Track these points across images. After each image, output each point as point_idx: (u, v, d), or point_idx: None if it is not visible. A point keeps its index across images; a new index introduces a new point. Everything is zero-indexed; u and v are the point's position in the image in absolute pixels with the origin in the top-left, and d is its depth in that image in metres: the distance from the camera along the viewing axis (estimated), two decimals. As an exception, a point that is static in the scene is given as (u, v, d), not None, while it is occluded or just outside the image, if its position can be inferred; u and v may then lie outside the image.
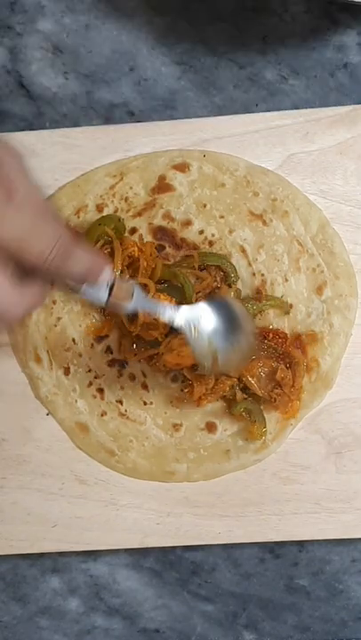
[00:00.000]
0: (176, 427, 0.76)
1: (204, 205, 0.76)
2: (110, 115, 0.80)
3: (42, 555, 0.79)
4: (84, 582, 0.79)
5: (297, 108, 0.79)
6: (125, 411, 0.76)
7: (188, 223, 0.76)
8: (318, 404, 0.75)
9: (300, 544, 0.78)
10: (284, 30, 0.80)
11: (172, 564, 0.79)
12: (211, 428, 0.75)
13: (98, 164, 0.78)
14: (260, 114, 0.78)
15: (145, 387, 0.76)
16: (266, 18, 0.80)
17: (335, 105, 0.78)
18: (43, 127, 0.80)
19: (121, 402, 0.76)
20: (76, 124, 0.80)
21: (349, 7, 0.79)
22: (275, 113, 0.77)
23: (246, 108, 0.79)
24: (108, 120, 0.80)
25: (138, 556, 0.79)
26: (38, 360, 0.77)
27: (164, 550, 0.78)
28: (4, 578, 0.80)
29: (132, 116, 0.80)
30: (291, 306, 0.75)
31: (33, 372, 0.77)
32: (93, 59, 0.81)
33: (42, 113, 0.81)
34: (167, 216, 0.76)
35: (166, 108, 0.80)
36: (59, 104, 0.81)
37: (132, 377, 0.76)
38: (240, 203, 0.76)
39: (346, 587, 0.78)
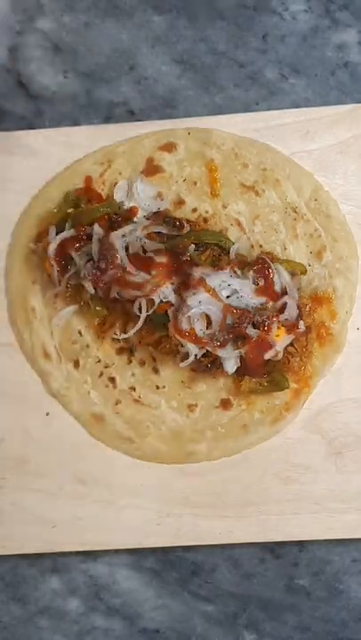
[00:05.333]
0: (191, 407, 0.76)
1: (195, 183, 0.76)
2: (110, 113, 0.80)
3: (42, 555, 0.78)
4: (84, 582, 0.79)
5: (297, 106, 0.79)
6: (139, 397, 0.76)
7: (180, 202, 0.76)
8: (330, 370, 0.75)
9: (301, 544, 0.78)
10: (285, 29, 0.79)
11: (172, 565, 0.79)
12: (225, 405, 0.75)
13: (98, 164, 0.78)
14: (261, 113, 0.77)
15: (156, 371, 0.76)
16: (266, 17, 0.79)
17: (336, 104, 0.78)
18: (42, 126, 0.80)
19: (134, 388, 0.76)
20: (75, 123, 0.80)
21: (349, 6, 0.79)
22: (275, 112, 0.77)
23: (246, 107, 0.79)
24: (108, 119, 0.80)
25: (138, 556, 0.79)
26: (47, 356, 0.77)
27: (164, 550, 0.78)
28: (4, 578, 0.80)
29: (132, 114, 0.80)
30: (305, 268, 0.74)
31: (43, 368, 0.77)
32: (93, 57, 0.81)
33: (41, 112, 0.81)
34: (159, 196, 0.76)
35: (166, 107, 0.80)
36: (58, 103, 0.80)
37: (142, 362, 0.76)
38: (231, 176, 0.76)
39: (346, 587, 0.78)
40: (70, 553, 0.78)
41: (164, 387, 0.76)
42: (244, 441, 0.75)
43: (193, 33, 0.80)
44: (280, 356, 0.72)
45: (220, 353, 0.71)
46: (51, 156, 0.78)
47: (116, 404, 0.76)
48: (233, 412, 0.75)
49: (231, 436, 0.75)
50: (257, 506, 0.75)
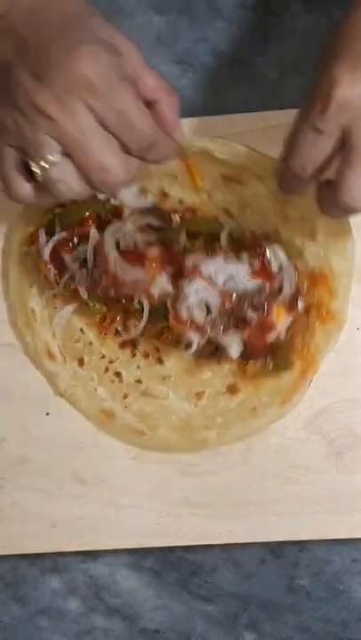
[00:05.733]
0: (199, 395, 0.75)
1: (176, 177, 0.75)
2: (110, 114, 0.80)
3: (41, 555, 0.78)
4: (84, 582, 0.79)
5: (297, 107, 0.79)
6: (146, 389, 0.76)
7: (165, 195, 0.76)
8: (333, 347, 0.74)
9: (301, 544, 0.78)
10: (285, 29, 0.79)
11: (172, 565, 0.79)
12: (233, 390, 0.75)
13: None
14: (260, 113, 0.77)
15: (160, 362, 0.76)
16: (266, 17, 0.80)
17: (336, 104, 0.78)
18: (43, 126, 0.80)
19: (140, 381, 0.76)
20: (75, 124, 0.80)
21: (350, 6, 0.79)
22: (275, 112, 0.77)
23: (247, 107, 0.79)
24: (108, 119, 0.80)
25: (138, 556, 0.79)
26: (51, 357, 0.77)
27: (164, 550, 0.78)
28: (4, 578, 0.80)
29: (132, 115, 0.80)
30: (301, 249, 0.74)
31: (49, 369, 0.77)
32: (93, 58, 0.81)
33: (42, 112, 0.81)
34: (143, 192, 0.76)
35: (166, 108, 0.80)
36: (59, 103, 0.80)
37: (146, 354, 0.76)
38: (211, 169, 0.75)
39: (347, 587, 0.78)
40: (70, 553, 0.78)
41: (170, 377, 0.76)
42: (253, 424, 0.75)
43: (193, 33, 0.80)
44: (282, 336, 0.72)
45: (222, 339, 0.71)
46: (51, 157, 0.78)
47: (124, 397, 0.76)
48: (241, 396, 0.75)
49: (241, 420, 0.75)
50: (257, 506, 0.75)
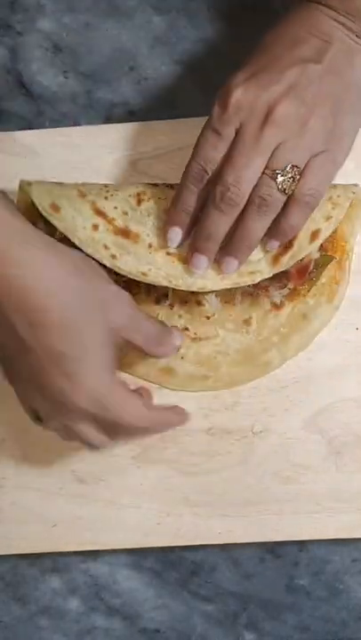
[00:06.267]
0: (247, 321, 0.75)
1: None
2: (110, 114, 0.80)
3: (42, 555, 0.78)
4: (84, 582, 0.79)
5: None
6: (195, 334, 0.76)
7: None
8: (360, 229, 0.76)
9: (301, 544, 0.78)
10: (285, 29, 0.79)
11: (172, 564, 0.79)
12: (277, 306, 0.75)
13: (97, 164, 0.78)
14: (261, 113, 0.77)
15: (199, 303, 0.75)
16: (267, 17, 0.79)
17: (335, 104, 0.78)
18: (42, 126, 0.80)
19: (187, 329, 0.76)
20: (76, 124, 0.80)
21: (350, 6, 0.79)
22: (275, 112, 0.77)
23: (246, 108, 0.79)
24: (108, 119, 0.80)
25: (138, 556, 0.79)
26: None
27: (164, 550, 0.78)
28: (4, 578, 0.80)
29: (133, 115, 0.80)
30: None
31: None
32: (93, 58, 0.81)
33: (42, 112, 0.81)
34: None
35: (167, 108, 0.80)
36: (59, 103, 0.81)
37: (183, 301, 0.76)
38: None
39: (346, 587, 0.78)
40: (70, 553, 0.78)
41: (213, 315, 0.76)
42: (309, 329, 0.75)
43: (193, 33, 0.80)
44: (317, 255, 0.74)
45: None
46: (51, 156, 0.78)
47: (177, 350, 0.75)
48: (287, 308, 0.75)
49: (296, 330, 0.75)
50: (257, 505, 0.75)
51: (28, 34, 0.81)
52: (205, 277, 0.71)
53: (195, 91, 0.80)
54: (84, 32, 0.81)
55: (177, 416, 0.71)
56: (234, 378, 0.76)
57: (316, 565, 0.78)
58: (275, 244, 0.70)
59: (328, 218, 0.72)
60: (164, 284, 0.71)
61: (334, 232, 0.74)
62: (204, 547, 0.78)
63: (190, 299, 0.76)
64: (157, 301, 0.76)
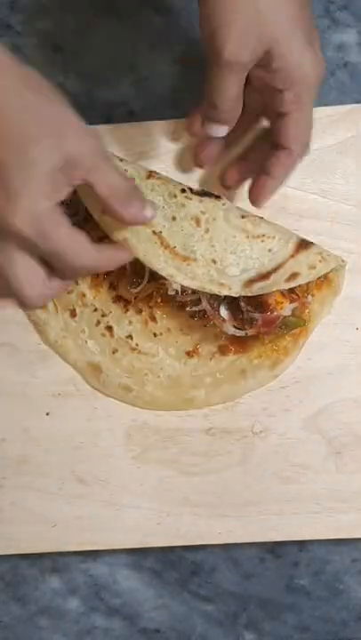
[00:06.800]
0: (189, 354, 0.76)
1: None
2: (110, 114, 0.80)
3: (42, 555, 0.78)
4: (84, 582, 0.79)
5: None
6: (136, 345, 0.76)
7: None
8: (328, 313, 0.75)
9: (301, 544, 0.78)
10: (285, 29, 0.79)
11: (172, 564, 0.79)
12: (224, 350, 0.75)
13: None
14: (260, 113, 0.77)
15: (153, 319, 0.76)
16: (266, 17, 0.79)
17: (335, 104, 0.78)
18: (42, 126, 0.80)
19: (131, 337, 0.76)
20: (75, 124, 0.80)
21: (349, 6, 0.79)
22: (275, 112, 0.77)
23: (246, 108, 0.79)
24: (108, 119, 0.80)
25: (138, 556, 0.79)
26: (43, 306, 0.77)
27: (164, 550, 0.78)
28: (4, 578, 0.80)
29: (133, 115, 0.80)
30: None
31: (39, 318, 0.77)
32: (93, 58, 0.81)
33: (42, 112, 0.81)
34: None
35: (167, 107, 0.80)
36: (59, 103, 0.80)
37: (139, 310, 0.76)
38: None
39: (346, 587, 0.78)
40: (70, 553, 0.78)
41: (161, 334, 0.76)
42: (242, 386, 0.75)
43: (193, 33, 0.80)
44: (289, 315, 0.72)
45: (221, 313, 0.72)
46: (51, 156, 0.78)
47: (113, 352, 0.76)
48: (231, 357, 0.75)
49: (230, 381, 0.75)
50: (257, 505, 0.75)
51: (28, 34, 0.81)
52: (178, 269, 0.70)
53: (195, 90, 0.80)
54: (83, 32, 0.81)
55: (123, 252, 0.66)
56: (154, 400, 0.76)
57: (316, 565, 0.78)
58: None
59: (312, 267, 0.70)
60: (139, 256, 0.69)
61: (310, 304, 0.74)
62: (204, 547, 0.78)
63: (147, 310, 0.76)
64: (116, 299, 0.76)
